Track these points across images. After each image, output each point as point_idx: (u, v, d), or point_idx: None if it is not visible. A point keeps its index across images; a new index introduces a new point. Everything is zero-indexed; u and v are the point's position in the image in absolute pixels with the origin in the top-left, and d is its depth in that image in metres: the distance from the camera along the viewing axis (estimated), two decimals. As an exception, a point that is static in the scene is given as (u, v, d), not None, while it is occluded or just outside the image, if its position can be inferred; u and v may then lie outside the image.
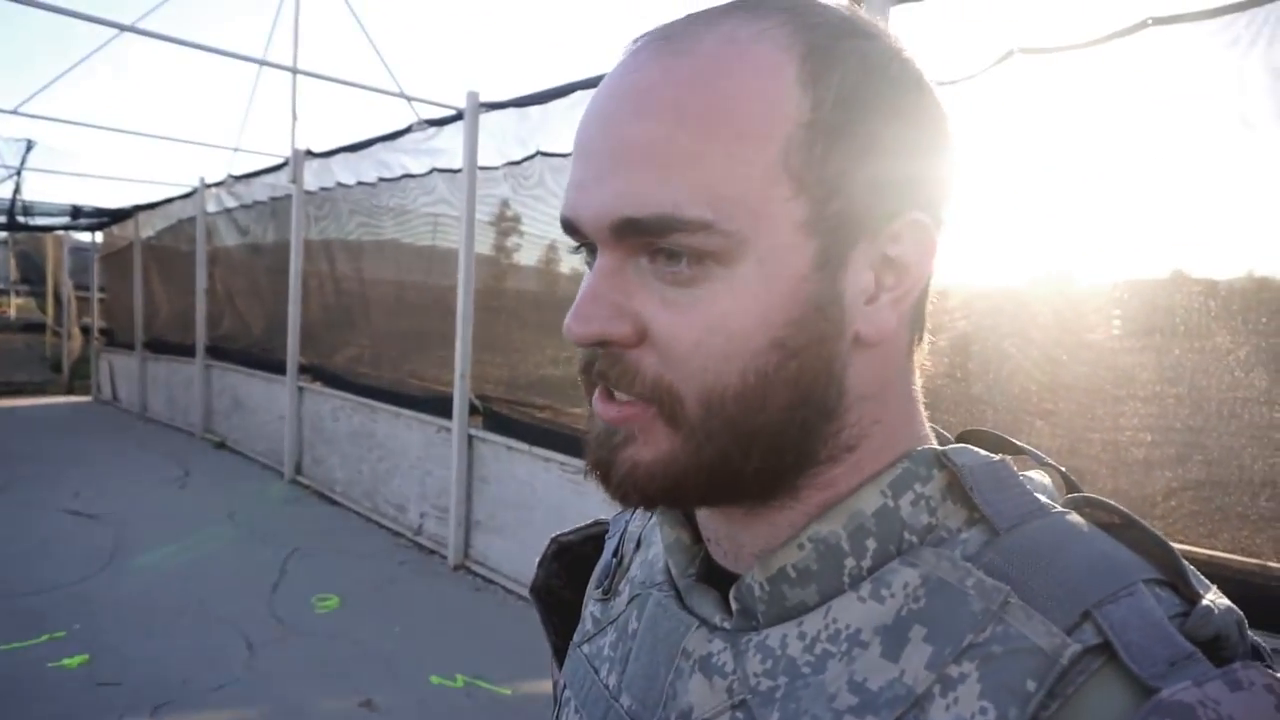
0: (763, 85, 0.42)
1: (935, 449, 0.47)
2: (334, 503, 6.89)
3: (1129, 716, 0.35)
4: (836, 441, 0.45)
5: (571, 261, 5.34)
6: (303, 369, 7.53)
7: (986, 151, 3.05)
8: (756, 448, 0.44)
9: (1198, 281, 2.62)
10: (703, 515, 0.51)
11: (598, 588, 0.60)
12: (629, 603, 0.55)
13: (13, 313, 16.76)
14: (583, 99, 4.32)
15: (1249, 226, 2.52)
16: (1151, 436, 2.69)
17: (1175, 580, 0.41)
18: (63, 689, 3.52)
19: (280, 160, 7.92)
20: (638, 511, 0.62)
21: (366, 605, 4.62)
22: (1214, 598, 0.40)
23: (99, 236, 13.45)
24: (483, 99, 5.10)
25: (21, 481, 7.30)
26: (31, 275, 16.05)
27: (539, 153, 4.74)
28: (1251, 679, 0.35)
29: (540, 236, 5.09)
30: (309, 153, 7.24)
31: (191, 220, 9.69)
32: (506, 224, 5.34)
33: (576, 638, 0.60)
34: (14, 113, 7.75)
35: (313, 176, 7.25)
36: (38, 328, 15.56)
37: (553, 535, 0.67)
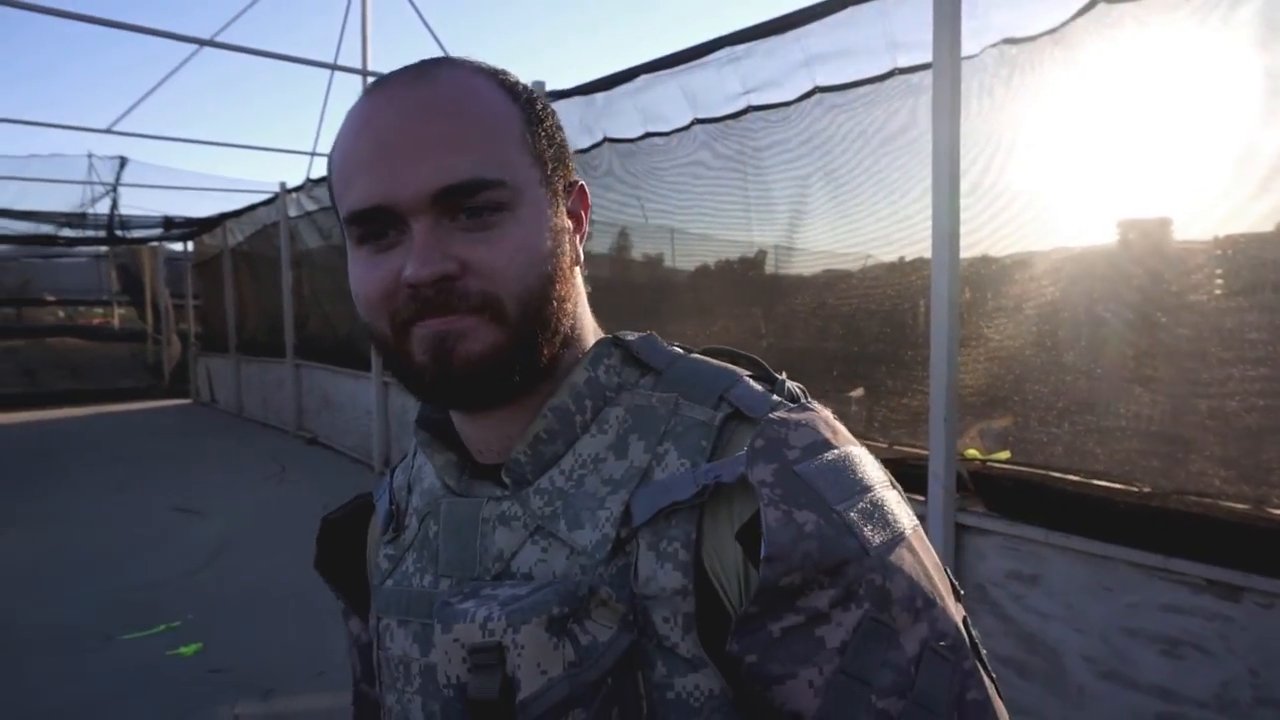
0: (495, 98, 0.63)
1: (611, 335, 0.68)
2: (422, 493, 7.07)
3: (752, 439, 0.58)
4: (565, 334, 0.65)
5: (643, 248, 5.34)
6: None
7: (1070, 104, 2.92)
8: (546, 331, 0.63)
9: None
10: (469, 433, 0.69)
11: (384, 535, 0.74)
12: (420, 523, 0.70)
13: (116, 323, 17.64)
14: (648, 83, 4.30)
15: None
16: (1264, 402, 2.54)
17: (763, 375, 0.68)
18: (180, 675, 3.72)
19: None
20: (397, 472, 0.79)
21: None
22: (785, 378, 0.67)
23: (190, 245, 14.05)
24: (549, 88, 5.13)
25: (134, 482, 7.71)
26: (131, 286, 16.89)
27: (606, 139, 4.75)
28: (809, 407, 0.62)
29: (609, 224, 5.09)
30: (383, 153, 7.41)
31: (276, 225, 10.03)
32: (579, 213, 5.37)
33: (375, 582, 0.74)
34: (108, 131, 8.14)
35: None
36: (139, 336, 16.36)
37: (321, 516, 0.82)
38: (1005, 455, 2.95)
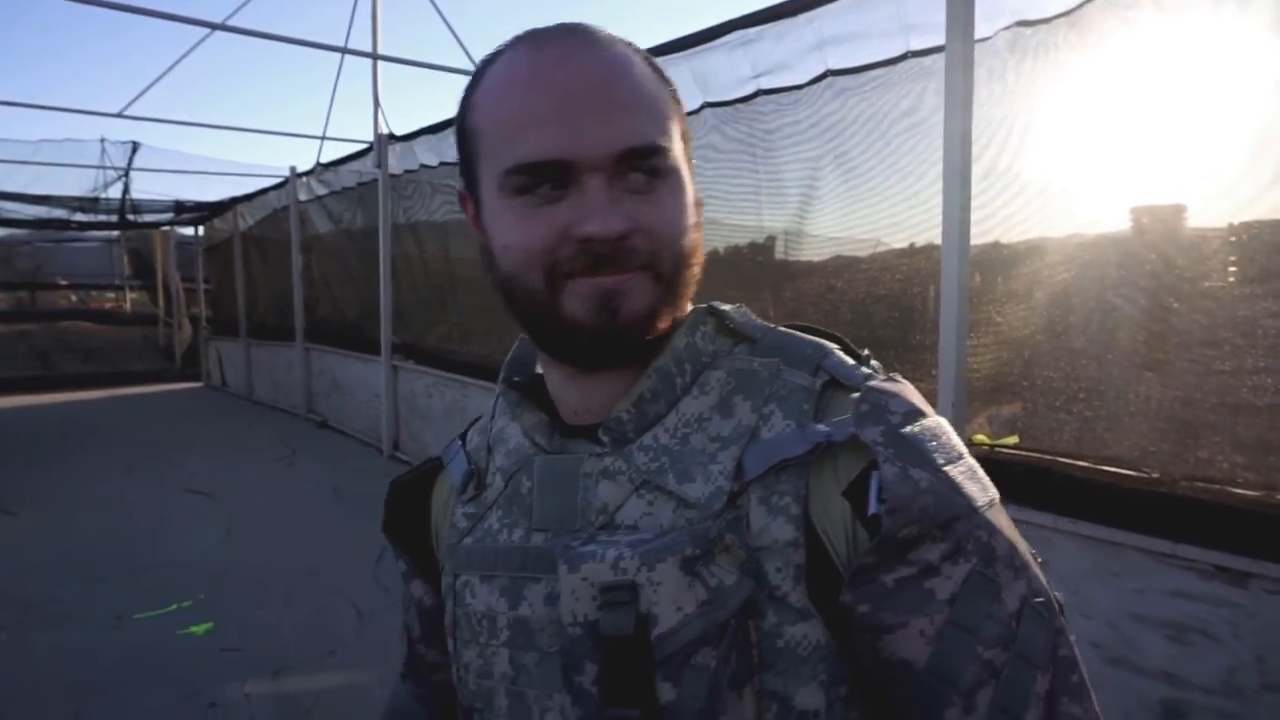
0: (651, 73, 0.66)
1: (705, 305, 0.71)
2: (431, 477, 7.10)
3: (852, 405, 0.62)
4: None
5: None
6: (395, 348, 7.76)
7: (1085, 88, 2.89)
8: (685, 292, 0.67)
9: None
10: (571, 393, 0.71)
11: (461, 495, 0.75)
12: (508, 481, 0.71)
13: (129, 307, 17.74)
14: (669, 63, 4.28)
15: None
16: (1277, 388, 2.53)
17: (847, 350, 0.71)
18: (191, 654, 3.76)
19: (365, 145, 8.12)
20: (471, 434, 0.80)
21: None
22: (868, 353, 0.71)
23: (201, 230, 14.10)
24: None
25: (145, 463, 7.77)
26: (143, 271, 16.98)
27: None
28: (898, 379, 0.64)
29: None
30: (392, 136, 7.40)
31: (285, 209, 10.05)
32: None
33: (452, 539, 0.74)
34: (119, 116, 8.15)
35: (396, 160, 7.41)
36: (150, 320, 16.46)
37: (391, 480, 0.83)
38: (1013, 440, 2.94)
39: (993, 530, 0.59)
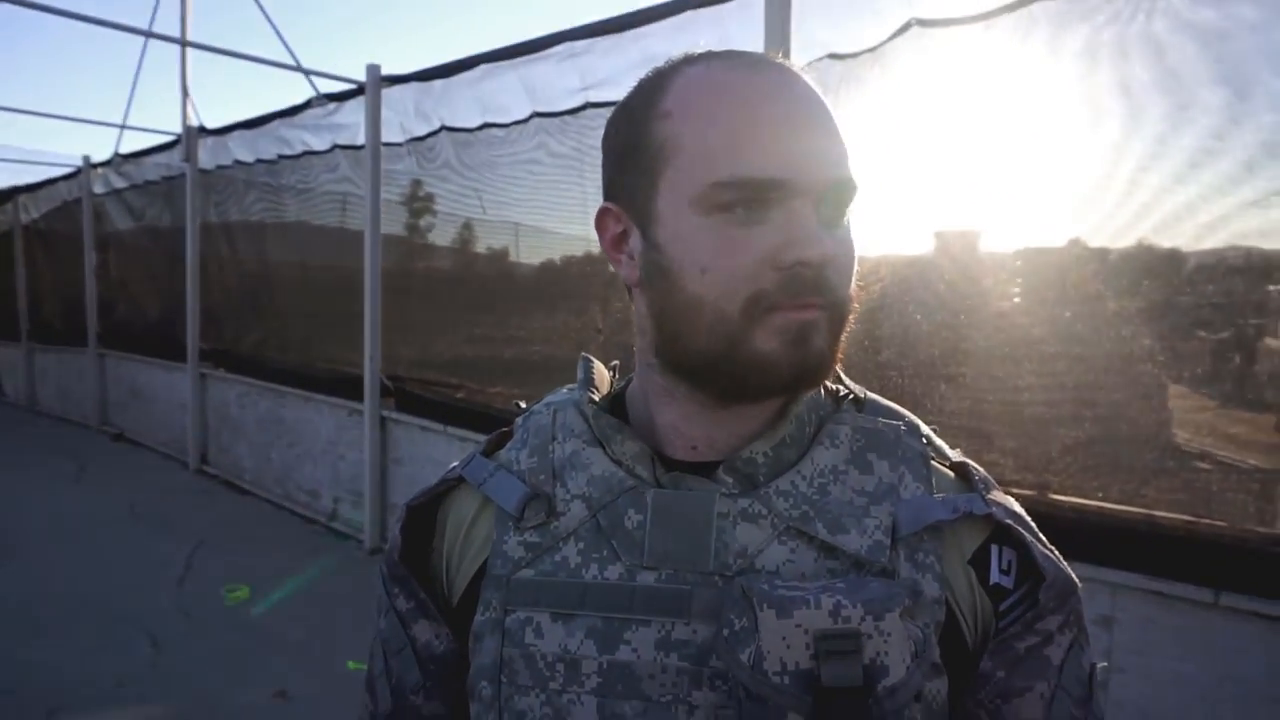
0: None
1: None
2: (243, 492, 6.67)
3: (954, 480, 0.68)
4: None
5: (489, 241, 5.25)
6: (205, 355, 7.24)
7: (894, 121, 3.11)
8: (843, 335, 0.65)
9: (1092, 250, 2.72)
10: (692, 427, 0.68)
11: (519, 521, 0.67)
12: (596, 512, 0.66)
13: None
14: (487, 73, 4.24)
15: (1140, 197, 2.62)
16: (1048, 396, 2.81)
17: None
18: (-51, 698, 3.33)
19: (172, 138, 7.55)
20: (517, 455, 0.72)
21: (280, 593, 4.50)
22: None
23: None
24: (384, 72, 4.95)
25: (-103, 483, 6.84)
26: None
27: (444, 127, 4.64)
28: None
29: (452, 215, 4.99)
30: (203, 129, 6.93)
31: (78, 202, 9.18)
32: (419, 203, 5.23)
33: (501, 570, 0.67)
34: None
35: (208, 155, 6.94)
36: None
37: (405, 502, 0.75)
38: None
39: (1083, 605, 0.67)
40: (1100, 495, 2.61)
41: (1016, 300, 2.89)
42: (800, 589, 0.57)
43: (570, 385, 0.76)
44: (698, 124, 0.61)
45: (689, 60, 0.65)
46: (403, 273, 5.36)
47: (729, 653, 0.57)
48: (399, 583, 0.74)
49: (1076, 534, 2.53)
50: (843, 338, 0.64)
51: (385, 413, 5.20)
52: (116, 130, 8.45)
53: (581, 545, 0.65)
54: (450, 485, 0.74)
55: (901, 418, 0.70)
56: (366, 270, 5.08)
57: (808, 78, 0.64)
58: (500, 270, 4.98)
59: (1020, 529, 0.65)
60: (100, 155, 8.80)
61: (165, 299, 7.93)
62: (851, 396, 0.71)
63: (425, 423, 4.89)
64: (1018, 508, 0.68)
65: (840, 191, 0.62)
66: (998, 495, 0.67)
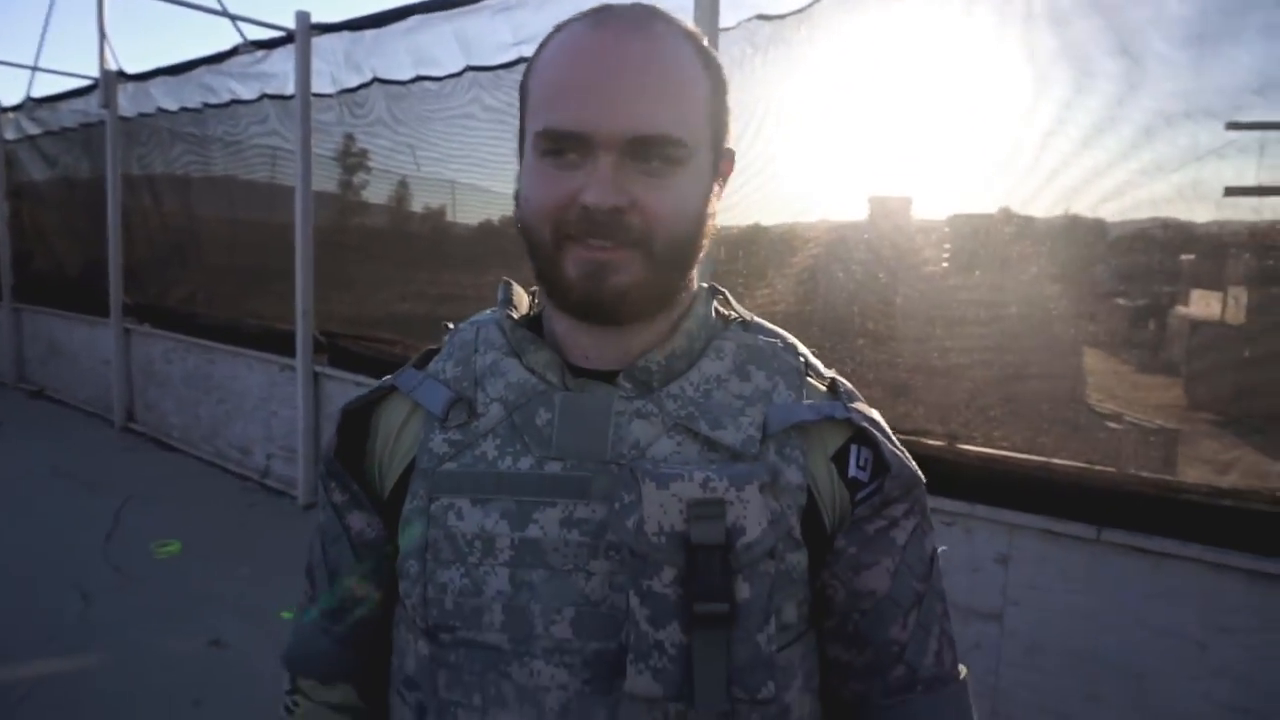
0: (694, 64, 0.72)
1: (708, 284, 0.82)
2: (171, 449, 6.57)
3: (823, 391, 0.79)
4: (690, 278, 0.78)
5: (425, 199, 5.21)
6: (128, 310, 7.05)
7: (824, 84, 3.18)
8: (682, 272, 0.75)
9: (1020, 217, 2.85)
10: (579, 339, 0.77)
11: (444, 421, 0.77)
12: (511, 412, 0.75)
13: None
14: (421, 23, 4.20)
15: (1049, 163, 2.74)
16: (962, 353, 2.96)
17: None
18: None
19: (89, 82, 7.25)
20: (444, 366, 0.81)
21: (212, 549, 4.49)
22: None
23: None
24: (314, 20, 4.85)
25: None
26: None
27: (376, 79, 4.58)
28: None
29: (387, 171, 4.94)
30: (122, 74, 6.67)
31: (-14, 149, 8.77)
32: (352, 159, 5.16)
33: (427, 464, 0.76)
34: None
35: (129, 102, 6.69)
36: None
37: (341, 407, 0.84)
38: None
39: (925, 496, 0.79)
40: (1006, 445, 2.79)
41: (945, 264, 3.03)
42: (677, 469, 0.69)
43: (493, 308, 0.85)
44: (539, 78, 0.72)
45: (572, 19, 0.74)
46: (337, 229, 5.29)
47: (618, 521, 0.69)
48: (335, 477, 0.83)
49: (980, 480, 2.71)
50: (678, 270, 0.74)
51: (318, 368, 5.17)
52: (28, 73, 8.08)
53: (498, 441, 0.75)
54: (383, 393, 0.83)
55: (782, 338, 0.81)
56: (298, 223, 5.01)
57: (661, 30, 0.71)
58: (436, 228, 4.97)
59: (876, 432, 0.76)
60: (11, 99, 8.40)
61: (85, 252, 7.67)
62: (739, 320, 0.82)
63: (359, 378, 4.88)
64: (876, 415, 0.79)
65: (647, 145, 0.68)
66: (861, 405, 0.78)
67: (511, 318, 0.80)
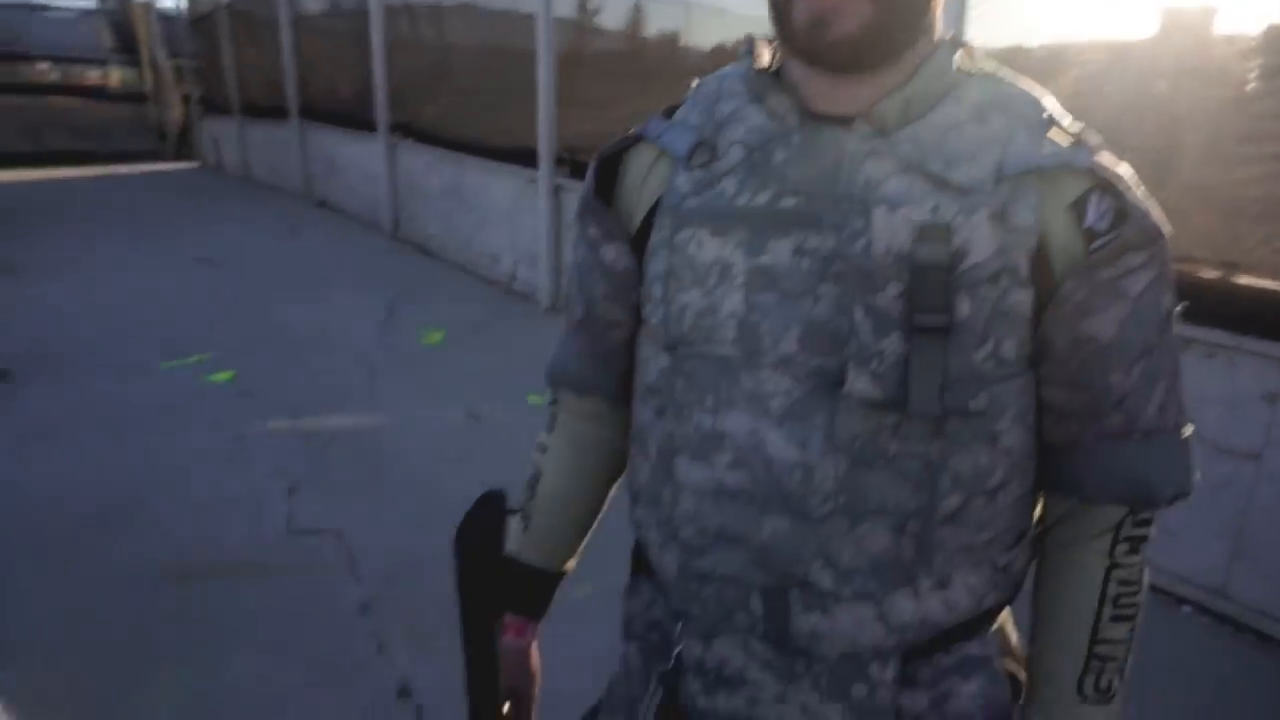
0: None
1: (952, 38, 0.78)
2: (431, 255, 7.28)
3: (1069, 142, 0.74)
4: (926, 26, 0.76)
5: (660, 23, 5.20)
6: (392, 127, 7.68)
7: None
8: (915, 15, 0.73)
9: None
10: (816, 85, 0.77)
11: (688, 162, 0.82)
12: (751, 152, 0.79)
13: (115, 84, 17.11)
14: None
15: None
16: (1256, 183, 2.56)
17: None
18: (216, 398, 4.08)
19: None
20: (686, 114, 0.85)
21: (468, 339, 5.05)
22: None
23: (184, 1, 13.42)
24: None
25: (150, 234, 7.90)
26: (127, 45, 16.25)
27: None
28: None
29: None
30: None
31: (271, -21, 9.58)
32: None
33: (671, 200, 0.82)
34: None
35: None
36: (138, 98, 15.96)
37: (598, 153, 0.90)
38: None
39: (1169, 251, 0.75)
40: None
41: (1253, 85, 2.61)
42: (909, 197, 0.72)
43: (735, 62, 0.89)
44: None
45: None
46: (575, 52, 5.41)
47: (847, 244, 0.73)
48: (592, 213, 0.91)
49: (1252, 312, 2.46)
50: (910, 16, 0.73)
51: (559, 180, 5.44)
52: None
53: (737, 179, 0.78)
54: (632, 141, 0.89)
55: (1030, 89, 0.78)
56: (540, 47, 5.19)
57: None
58: (670, 52, 4.98)
59: (1119, 183, 0.73)
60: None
61: (355, 75, 8.35)
62: (984, 72, 0.80)
63: (596, 190, 5.09)
64: (1125, 168, 0.75)
65: None
66: (1107, 156, 0.74)
67: (753, 68, 0.83)
